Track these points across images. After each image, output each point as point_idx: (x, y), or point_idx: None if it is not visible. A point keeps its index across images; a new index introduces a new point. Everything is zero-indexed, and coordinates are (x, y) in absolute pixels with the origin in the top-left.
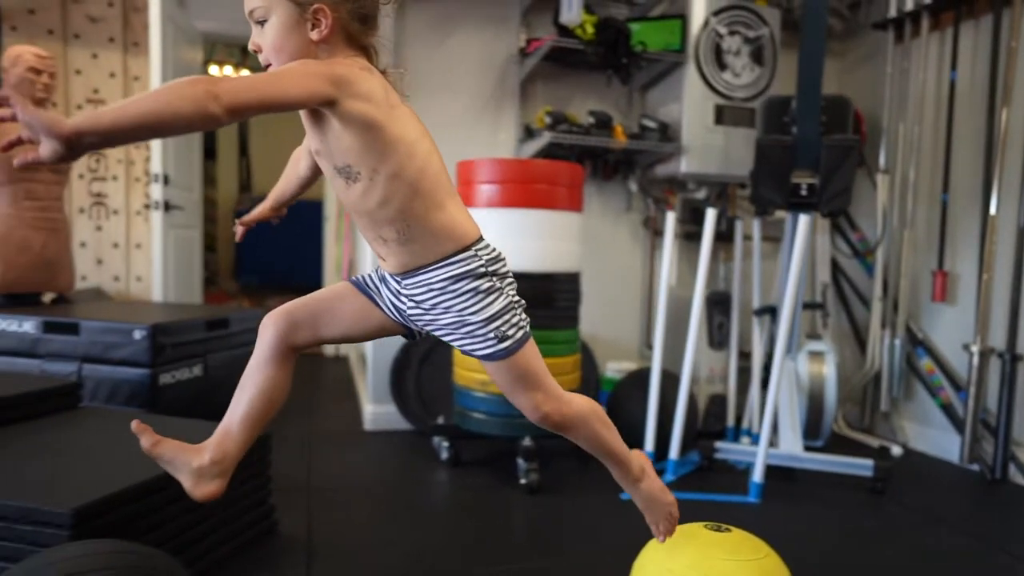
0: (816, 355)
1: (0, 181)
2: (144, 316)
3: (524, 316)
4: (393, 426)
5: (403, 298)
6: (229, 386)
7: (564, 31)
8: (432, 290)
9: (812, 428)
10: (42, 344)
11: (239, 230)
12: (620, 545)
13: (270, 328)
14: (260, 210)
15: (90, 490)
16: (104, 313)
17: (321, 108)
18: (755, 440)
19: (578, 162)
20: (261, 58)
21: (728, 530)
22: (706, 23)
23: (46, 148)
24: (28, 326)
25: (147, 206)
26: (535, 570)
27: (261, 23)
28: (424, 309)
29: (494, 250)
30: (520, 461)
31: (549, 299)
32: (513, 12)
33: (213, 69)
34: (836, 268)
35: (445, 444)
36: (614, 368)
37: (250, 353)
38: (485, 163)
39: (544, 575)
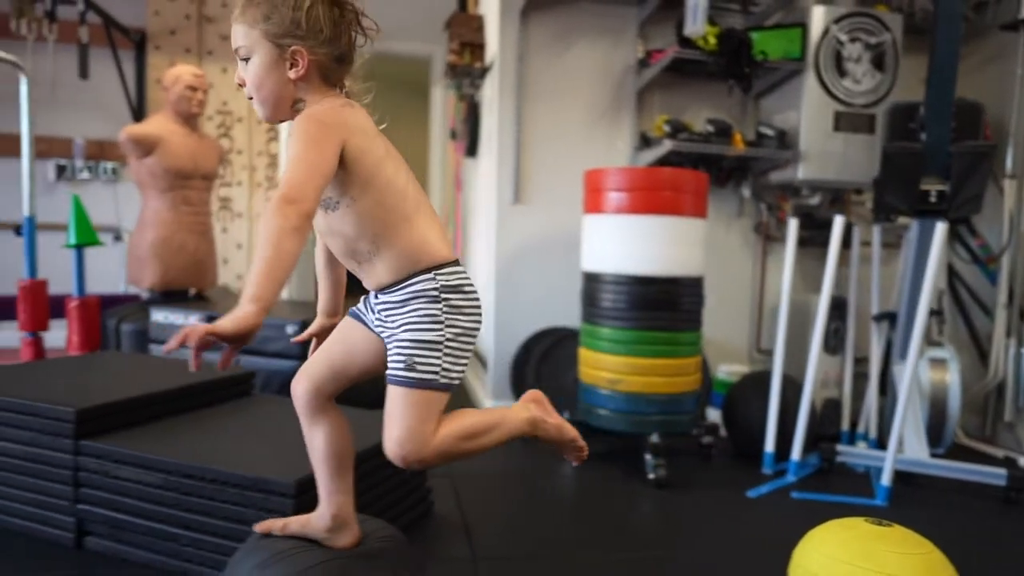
0: (938, 362)
1: (162, 188)
2: (291, 312)
3: (451, 367)
4: None
5: (377, 316)
6: (370, 381)
7: (685, 42)
8: (393, 304)
9: (934, 435)
10: None
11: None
12: (751, 539)
13: (300, 395)
14: (316, 327)
15: (302, 465)
16: None
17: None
18: (872, 445)
19: (693, 168)
20: (245, 91)
21: (889, 525)
22: (826, 31)
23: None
24: (193, 320)
25: None
26: (667, 559)
27: (245, 60)
28: (388, 327)
29: (460, 279)
30: (648, 457)
31: (674, 302)
32: (630, 24)
33: None
34: (952, 274)
35: None
36: (725, 370)
37: None
38: (613, 171)
39: (677, 564)
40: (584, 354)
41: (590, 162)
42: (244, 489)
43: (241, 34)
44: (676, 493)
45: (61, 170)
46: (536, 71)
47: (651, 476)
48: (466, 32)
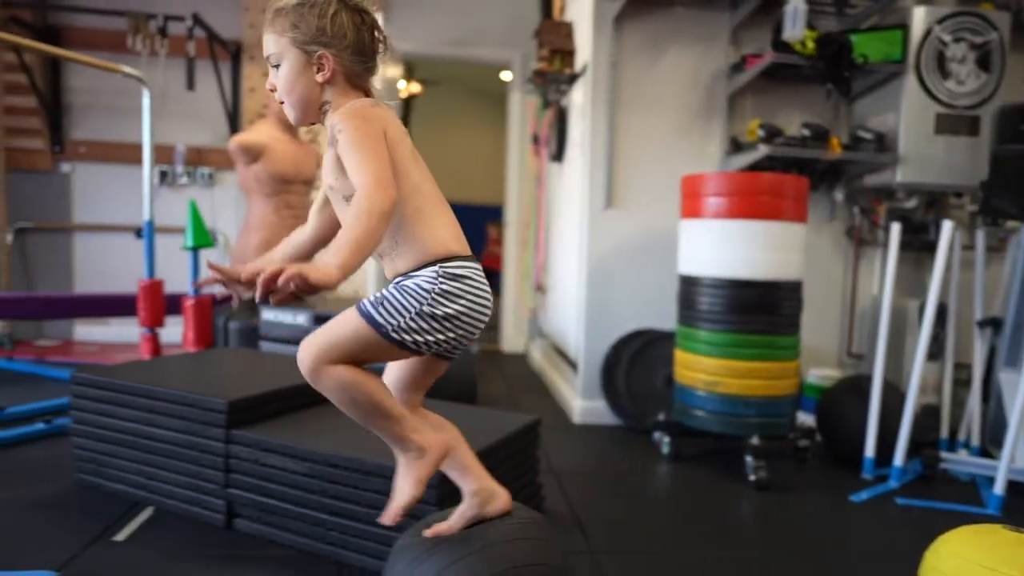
0: None
1: (266, 193)
2: None
3: (409, 331)
4: (602, 420)
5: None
6: (459, 377)
7: (781, 46)
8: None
9: None
10: None
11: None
12: (859, 543)
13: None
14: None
15: None
16: None
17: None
18: (975, 452)
19: (785, 172)
20: (276, 96)
21: None
22: (929, 31)
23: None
24: (301, 318)
25: None
26: (775, 559)
27: (276, 66)
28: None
29: (465, 271)
30: (748, 458)
31: (774, 306)
32: (722, 30)
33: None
34: None
35: (666, 439)
36: (817, 375)
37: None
38: (712, 177)
39: (787, 565)
40: (681, 356)
41: (681, 167)
42: (388, 478)
43: (272, 42)
44: (777, 495)
45: (163, 175)
46: (628, 77)
47: (752, 478)
48: (556, 39)
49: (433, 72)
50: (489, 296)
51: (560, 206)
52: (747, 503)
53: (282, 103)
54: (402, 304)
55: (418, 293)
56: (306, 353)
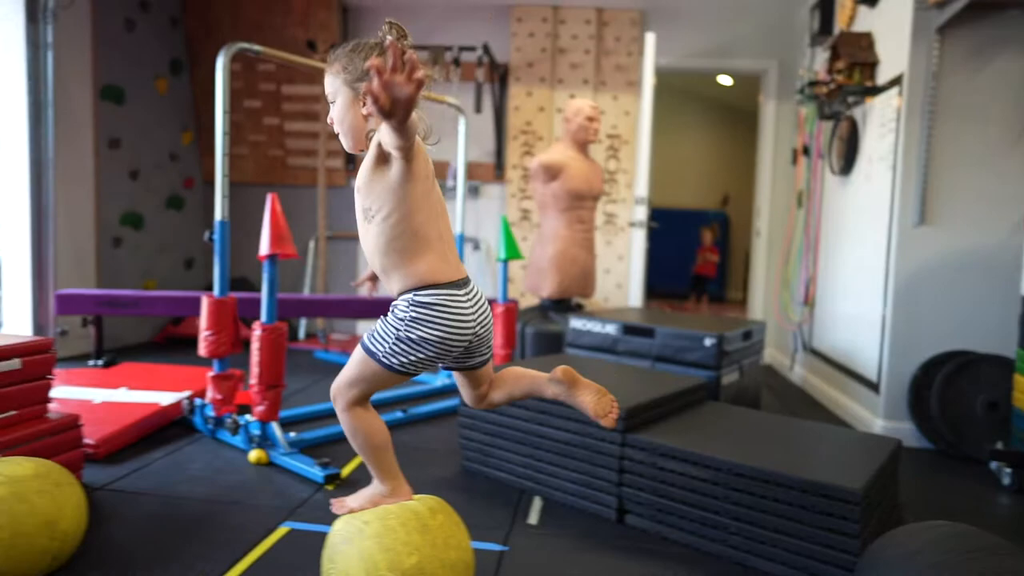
0: None
1: (561, 209)
2: (708, 327)
3: (395, 355)
4: (908, 443)
5: None
6: (754, 387)
7: None
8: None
9: None
10: (621, 343)
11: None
12: None
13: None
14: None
15: (858, 473)
16: (672, 322)
17: (400, 156)
18: None
19: None
20: (333, 127)
21: None
22: None
23: (395, 99)
24: (611, 328)
25: (632, 224)
26: None
27: (332, 103)
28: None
29: (436, 299)
30: None
31: None
32: None
33: None
34: None
35: (1007, 470)
36: None
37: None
38: None
39: None
40: (1018, 379)
41: (1009, 181)
42: (806, 493)
43: (329, 82)
44: None
45: None
46: (948, 87)
47: None
48: (856, 51)
49: None
50: (466, 318)
51: (846, 220)
52: None
53: (337, 134)
54: (385, 332)
55: (396, 321)
56: (338, 390)
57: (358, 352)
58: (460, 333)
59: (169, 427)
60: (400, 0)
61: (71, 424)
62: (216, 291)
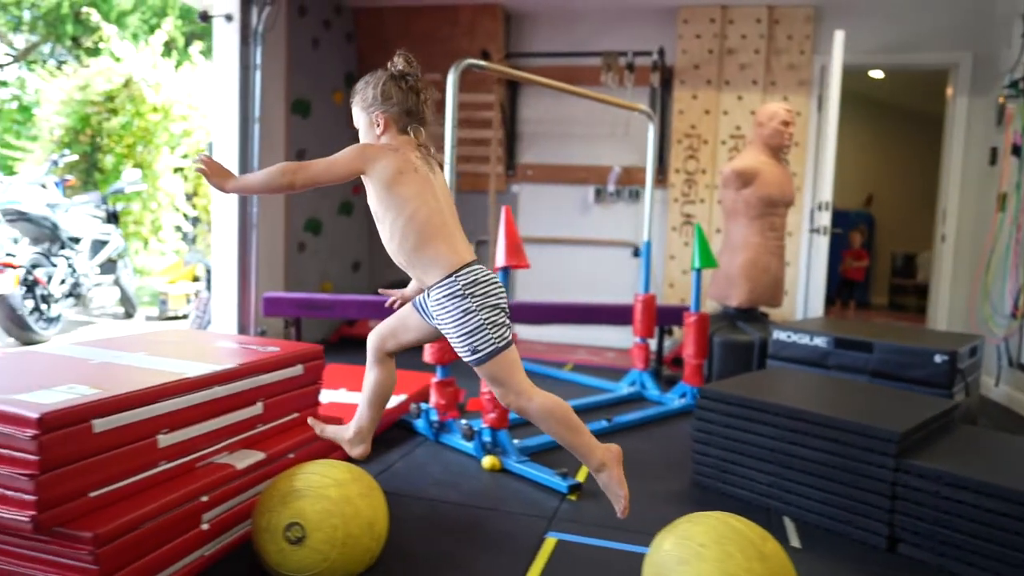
0: None
1: (752, 216)
2: (939, 342)
3: (499, 334)
4: None
5: (427, 307)
6: (974, 407)
7: None
8: (435, 303)
9: None
10: (832, 357)
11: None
12: None
13: (369, 345)
14: (404, 292)
15: None
16: (889, 335)
17: (360, 176)
18: None
19: None
20: None
21: None
22: None
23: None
24: (820, 341)
25: (813, 230)
26: None
27: (358, 128)
28: (435, 316)
29: (477, 275)
30: None
31: None
32: None
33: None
34: None
35: None
36: None
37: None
38: None
39: None
40: None
41: None
42: None
43: (353, 112)
44: None
45: (597, 193)
46: None
47: None
48: None
49: None
50: (498, 283)
51: None
52: None
53: None
54: (471, 326)
55: (461, 308)
56: (516, 403)
57: (488, 369)
58: (501, 294)
59: (389, 429)
60: (562, 5)
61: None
62: None
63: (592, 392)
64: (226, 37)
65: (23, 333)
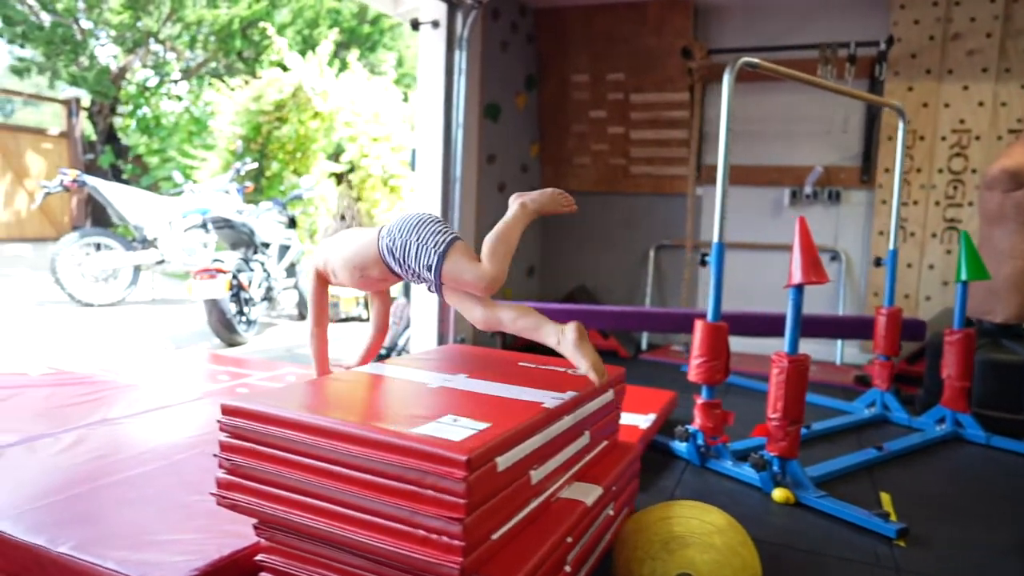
0: None
1: (1021, 222)
2: None
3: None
4: None
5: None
6: None
7: None
8: None
9: None
10: None
11: None
12: None
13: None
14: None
15: None
16: None
17: None
18: None
19: None
20: None
21: None
22: None
23: None
24: None
25: None
26: None
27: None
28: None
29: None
30: None
31: None
32: None
33: None
34: None
35: None
36: None
37: None
38: None
39: None
40: None
41: None
42: None
43: None
44: None
45: (793, 195)
46: None
47: None
48: None
49: None
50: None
51: None
52: None
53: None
54: (421, 241)
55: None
56: (489, 321)
57: (450, 274)
58: None
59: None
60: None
61: (633, 452)
62: (710, 315)
63: (824, 412)
64: (432, 43)
65: (230, 335)
